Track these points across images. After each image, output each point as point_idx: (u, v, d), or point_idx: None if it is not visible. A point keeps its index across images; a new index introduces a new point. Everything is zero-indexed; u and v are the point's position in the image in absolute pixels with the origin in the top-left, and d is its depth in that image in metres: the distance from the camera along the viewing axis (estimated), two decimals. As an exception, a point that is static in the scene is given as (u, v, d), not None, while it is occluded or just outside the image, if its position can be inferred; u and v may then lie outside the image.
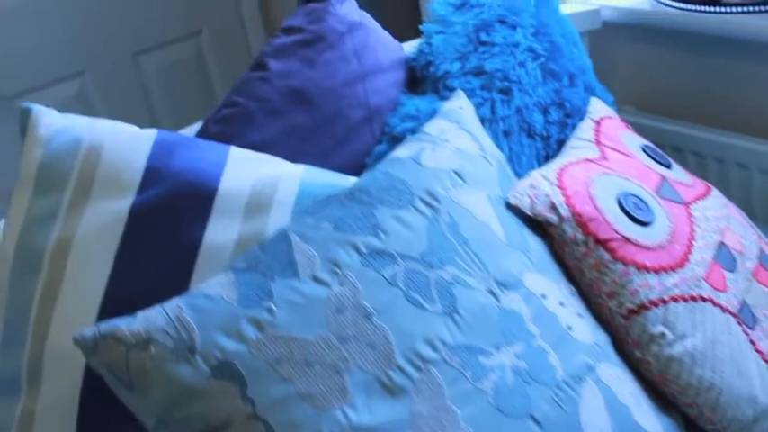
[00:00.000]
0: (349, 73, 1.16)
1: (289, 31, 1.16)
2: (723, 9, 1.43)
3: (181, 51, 2.40)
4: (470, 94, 1.16)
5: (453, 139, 1.04)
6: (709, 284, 1.04)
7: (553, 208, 1.01)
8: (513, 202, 1.01)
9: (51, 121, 1.04)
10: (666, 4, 1.52)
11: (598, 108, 1.26)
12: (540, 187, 1.03)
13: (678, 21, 1.50)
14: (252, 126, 1.11)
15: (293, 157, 1.08)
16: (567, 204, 1.01)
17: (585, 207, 1.02)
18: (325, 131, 1.13)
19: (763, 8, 1.40)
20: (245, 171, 1.02)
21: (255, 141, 1.10)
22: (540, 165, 1.18)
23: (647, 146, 1.22)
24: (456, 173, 0.99)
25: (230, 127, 1.11)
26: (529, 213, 1.01)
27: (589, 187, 1.05)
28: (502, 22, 1.23)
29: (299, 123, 1.12)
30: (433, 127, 1.07)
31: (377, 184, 0.96)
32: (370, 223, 0.92)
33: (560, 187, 1.03)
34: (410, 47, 1.29)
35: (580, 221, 1.01)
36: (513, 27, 1.24)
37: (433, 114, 1.14)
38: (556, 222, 1.01)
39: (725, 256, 1.08)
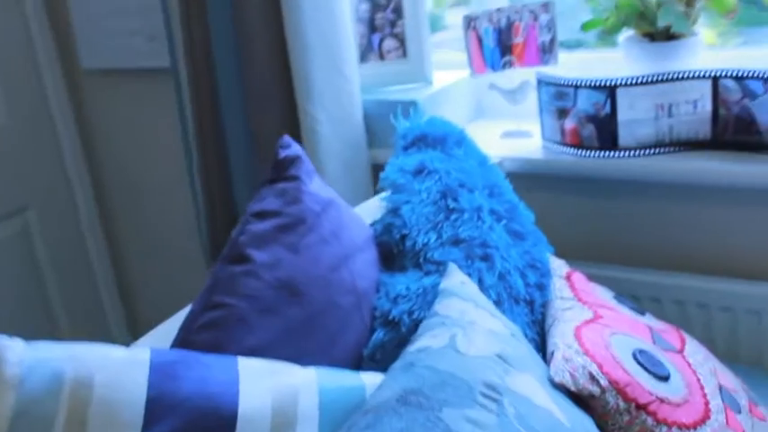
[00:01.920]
0: (332, 256, 1.07)
1: (263, 215, 1.06)
2: (621, 154, 1.52)
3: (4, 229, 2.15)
4: (456, 265, 1.12)
5: (479, 320, 0.99)
6: (733, 430, 1.05)
7: (593, 379, 0.98)
8: (558, 380, 0.97)
9: (19, 356, 0.85)
10: (563, 152, 1.59)
11: (558, 263, 1.27)
12: (573, 359, 0.99)
13: (576, 167, 1.57)
14: (246, 329, 0.98)
15: (295, 359, 0.97)
16: (602, 373, 0.99)
17: (618, 372, 1.00)
18: (319, 325, 1.03)
19: (657, 150, 1.51)
20: (261, 386, 0.90)
21: (253, 346, 0.97)
22: (532, 332, 1.15)
23: (617, 295, 1.24)
24: (500, 357, 0.93)
25: (222, 332, 0.97)
26: (573, 390, 0.97)
27: (610, 350, 1.03)
28: (462, 185, 1.22)
29: (293, 319, 1.01)
30: (449, 308, 1.00)
31: (428, 383, 0.88)
32: (442, 431, 0.83)
33: (588, 355, 1.01)
34: (367, 219, 1.23)
35: (618, 388, 0.98)
36: (472, 190, 1.22)
37: (424, 293, 1.08)
38: (598, 394, 0.97)
39: (729, 398, 1.10)
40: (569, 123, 1.57)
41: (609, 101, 1.50)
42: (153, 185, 2.26)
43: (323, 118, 1.71)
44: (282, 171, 1.10)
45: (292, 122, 1.76)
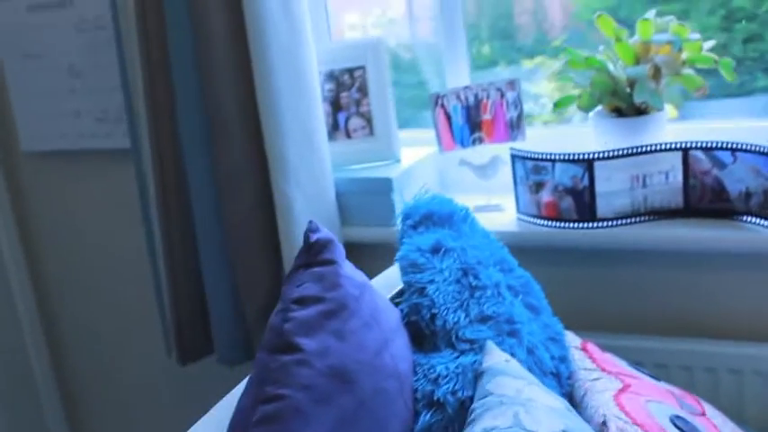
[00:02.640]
0: (375, 341, 1.06)
1: (304, 301, 1.03)
2: (599, 224, 1.58)
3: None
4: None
5: (536, 397, 0.99)
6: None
7: (649, 448, 1.00)
8: (620, 451, 0.98)
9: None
10: (540, 225, 1.63)
11: (570, 335, 1.29)
12: (628, 430, 1.01)
13: (555, 239, 1.62)
14: (304, 421, 0.95)
15: (349, 451, 0.95)
16: (655, 442, 1.01)
17: (668, 441, 1.02)
18: (369, 412, 1.01)
19: (634, 220, 1.57)
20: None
21: (311, 439, 0.94)
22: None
23: (630, 363, 1.27)
24: (567, 433, 0.94)
25: (280, 426, 0.94)
26: (635, 459, 0.98)
27: (654, 418, 1.05)
28: (479, 263, 1.23)
29: (345, 408, 0.99)
30: (502, 387, 1.01)
31: (509, 464, 0.88)
32: None
33: (637, 424, 1.03)
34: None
35: (671, 456, 1.00)
36: (487, 267, 1.24)
37: (464, 371, 1.08)
38: (655, 462, 0.99)
39: (753, 459, 1.14)
40: (546, 197, 1.61)
41: (587, 174, 1.56)
42: (103, 277, 2.17)
43: (298, 196, 1.70)
44: (317, 255, 1.08)
45: (266, 203, 1.74)
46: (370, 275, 1.84)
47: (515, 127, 1.75)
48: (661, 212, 1.58)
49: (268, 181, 1.72)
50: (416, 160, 1.83)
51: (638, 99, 1.51)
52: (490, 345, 1.10)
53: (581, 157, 1.56)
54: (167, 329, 1.92)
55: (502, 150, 1.73)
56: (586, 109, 1.60)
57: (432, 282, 1.18)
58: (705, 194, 1.54)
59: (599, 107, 1.66)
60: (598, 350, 1.28)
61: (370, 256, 1.85)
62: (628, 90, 1.56)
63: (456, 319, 1.14)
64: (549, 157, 1.59)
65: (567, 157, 1.57)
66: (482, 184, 1.78)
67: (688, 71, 1.51)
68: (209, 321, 1.84)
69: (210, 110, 1.69)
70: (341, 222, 1.78)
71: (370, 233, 1.77)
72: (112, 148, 2.00)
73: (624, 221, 1.58)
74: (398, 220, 1.37)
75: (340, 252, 1.11)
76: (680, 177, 1.56)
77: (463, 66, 1.88)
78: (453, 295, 1.17)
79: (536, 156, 1.61)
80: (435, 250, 1.23)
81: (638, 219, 1.58)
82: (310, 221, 1.12)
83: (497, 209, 1.75)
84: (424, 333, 1.15)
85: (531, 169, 1.63)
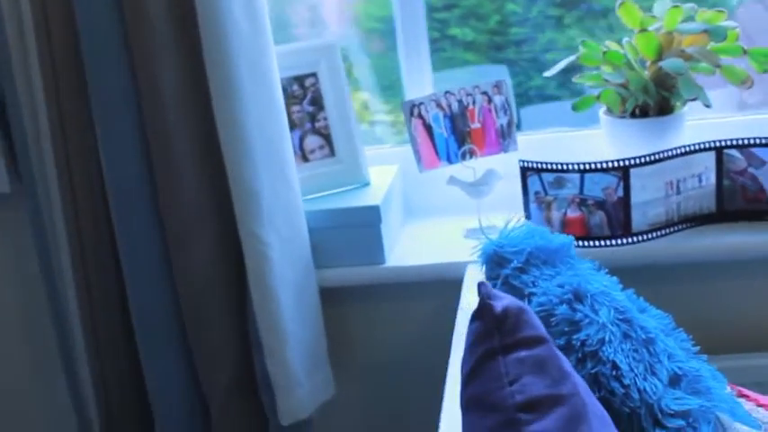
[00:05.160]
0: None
1: (535, 407, 0.72)
2: (634, 239, 1.40)
3: None
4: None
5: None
6: None
7: None
8: None
9: None
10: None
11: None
12: None
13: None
14: None
15: None
16: None
17: None
18: None
19: (668, 230, 1.41)
20: None
21: None
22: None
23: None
24: None
25: None
26: None
27: None
28: (624, 310, 0.98)
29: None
30: None
31: None
32: None
33: None
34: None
35: None
36: (629, 310, 1.00)
37: None
38: None
39: None
40: (572, 212, 1.40)
41: (621, 183, 1.37)
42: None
43: (273, 240, 1.33)
44: (515, 332, 0.77)
45: (228, 252, 1.35)
46: (353, 324, 1.53)
47: (506, 135, 1.51)
48: (694, 219, 1.43)
49: (231, 223, 1.33)
50: (388, 182, 1.52)
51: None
52: (725, 419, 0.86)
53: (615, 164, 1.36)
54: (86, 428, 1.44)
55: (495, 163, 1.50)
56: (617, 108, 1.41)
57: (603, 342, 0.91)
58: (741, 195, 1.42)
59: (603, 108, 1.48)
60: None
61: (349, 303, 1.54)
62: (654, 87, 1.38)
63: (653, 388, 0.89)
64: (574, 167, 1.38)
65: (598, 167, 1.37)
66: (463, 204, 1.52)
67: (725, 62, 1.36)
68: (149, 414, 1.41)
69: (151, 133, 1.28)
70: (315, 264, 1.44)
71: (352, 275, 1.46)
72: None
73: (660, 233, 1.40)
74: (480, 264, 1.08)
75: (539, 322, 0.80)
76: (713, 179, 1.41)
77: (426, 71, 1.60)
78: (632, 355, 0.91)
79: (558, 167, 1.39)
80: (579, 298, 0.96)
81: (673, 229, 1.41)
82: (481, 283, 0.80)
83: (495, 231, 1.50)
84: (620, 411, 0.88)
85: (552, 183, 1.40)
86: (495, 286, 1.03)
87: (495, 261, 1.05)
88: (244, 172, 1.29)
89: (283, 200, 1.35)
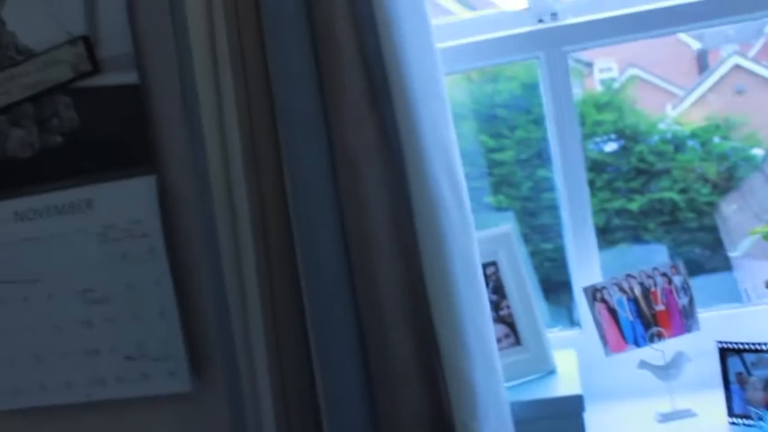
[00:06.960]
0: None
1: None
2: None
3: None
4: None
5: None
6: None
7: None
8: None
9: None
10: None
11: None
12: None
13: None
14: None
15: None
16: None
17: None
18: None
19: None
20: None
21: None
22: None
23: None
24: None
25: None
26: None
27: None
28: None
29: None
30: None
31: None
32: None
33: None
34: None
35: None
36: None
37: None
38: None
39: None
40: (778, 392, 1.38)
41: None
42: None
43: (486, 434, 1.30)
44: None
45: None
46: None
47: (689, 315, 1.51)
48: None
49: (442, 418, 1.31)
50: (575, 368, 1.51)
51: None
52: None
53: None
54: None
55: (682, 345, 1.49)
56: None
57: None
58: None
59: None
60: None
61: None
62: None
63: None
64: (778, 346, 1.37)
65: (804, 345, 1.36)
66: (643, 387, 1.50)
67: None
68: None
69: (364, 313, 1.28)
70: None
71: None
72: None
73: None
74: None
75: None
76: None
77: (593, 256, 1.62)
78: None
79: (760, 347, 1.38)
80: None
81: None
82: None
83: (688, 414, 1.47)
84: None
85: (754, 363, 1.39)
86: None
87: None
88: (458, 366, 1.28)
89: (493, 392, 1.33)
